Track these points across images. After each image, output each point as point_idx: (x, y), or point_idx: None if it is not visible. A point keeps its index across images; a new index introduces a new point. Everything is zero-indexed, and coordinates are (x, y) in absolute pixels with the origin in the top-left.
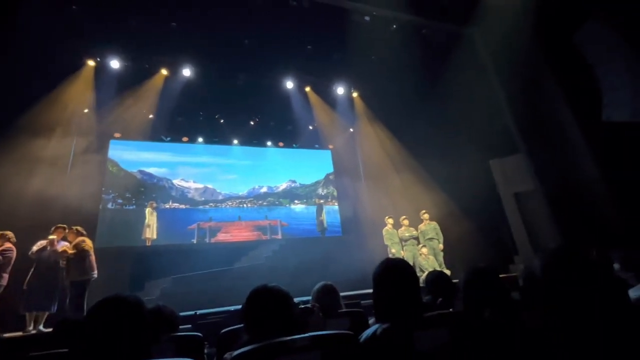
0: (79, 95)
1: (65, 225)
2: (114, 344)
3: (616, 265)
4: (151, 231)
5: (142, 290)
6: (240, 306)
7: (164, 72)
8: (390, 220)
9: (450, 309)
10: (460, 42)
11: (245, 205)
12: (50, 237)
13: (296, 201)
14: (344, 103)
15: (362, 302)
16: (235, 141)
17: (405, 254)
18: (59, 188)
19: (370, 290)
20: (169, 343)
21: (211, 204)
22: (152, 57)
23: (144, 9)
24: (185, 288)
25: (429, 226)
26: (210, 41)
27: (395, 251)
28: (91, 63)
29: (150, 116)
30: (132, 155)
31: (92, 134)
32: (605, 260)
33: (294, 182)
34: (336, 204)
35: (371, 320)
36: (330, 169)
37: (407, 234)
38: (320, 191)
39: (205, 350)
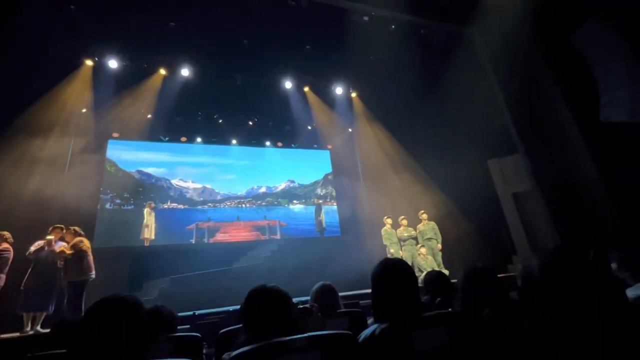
0: (77, 95)
1: (62, 226)
2: (112, 344)
3: (614, 265)
4: (149, 231)
5: (141, 290)
6: (238, 306)
7: (163, 72)
8: (389, 220)
9: (449, 309)
10: (459, 42)
11: (243, 206)
12: (48, 237)
13: (295, 201)
14: (342, 103)
15: (361, 302)
16: (234, 141)
17: (403, 254)
18: (56, 188)
19: (369, 290)
20: (168, 343)
21: (210, 204)
22: (150, 56)
23: (142, 9)
24: (183, 288)
25: (427, 226)
26: (209, 41)
27: (393, 251)
28: (89, 63)
29: (149, 116)
30: (130, 155)
31: (90, 133)
32: (603, 260)
33: (292, 182)
34: (335, 204)
35: (370, 320)
36: (329, 169)
37: (405, 234)
38: (319, 191)
39: (204, 351)
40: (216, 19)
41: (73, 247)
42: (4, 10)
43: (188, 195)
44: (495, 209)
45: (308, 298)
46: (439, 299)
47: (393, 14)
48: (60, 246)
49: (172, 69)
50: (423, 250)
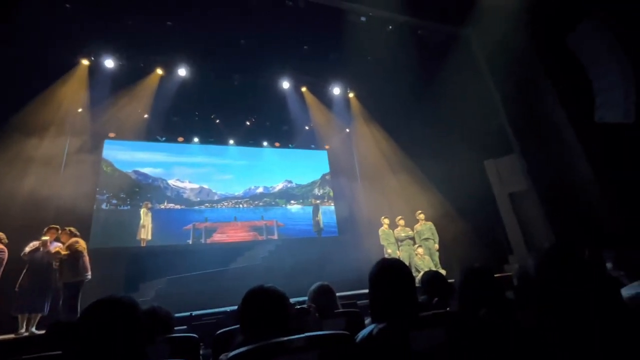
0: (72, 94)
1: (58, 226)
2: (108, 345)
3: (609, 265)
4: (146, 232)
5: (137, 291)
6: (236, 307)
7: (159, 71)
8: (386, 221)
9: (446, 309)
10: (456, 43)
11: (241, 206)
12: (43, 238)
13: (292, 201)
14: (340, 103)
15: (359, 302)
16: (231, 141)
17: (401, 254)
18: (52, 188)
19: (367, 291)
20: (164, 344)
21: (207, 204)
22: (147, 56)
23: (139, 8)
24: (180, 289)
25: (424, 226)
26: (206, 41)
27: (391, 251)
28: (85, 62)
29: (145, 116)
30: (126, 155)
31: (86, 133)
32: (598, 259)
33: (290, 182)
34: (332, 204)
35: (367, 321)
36: (327, 169)
37: (403, 234)
38: (316, 191)
39: (201, 352)
40: (213, 18)
41: (69, 247)
42: None
43: (185, 196)
44: (491, 209)
45: (305, 298)
46: (436, 299)
47: (390, 15)
48: (56, 247)
49: (169, 69)
50: (420, 250)
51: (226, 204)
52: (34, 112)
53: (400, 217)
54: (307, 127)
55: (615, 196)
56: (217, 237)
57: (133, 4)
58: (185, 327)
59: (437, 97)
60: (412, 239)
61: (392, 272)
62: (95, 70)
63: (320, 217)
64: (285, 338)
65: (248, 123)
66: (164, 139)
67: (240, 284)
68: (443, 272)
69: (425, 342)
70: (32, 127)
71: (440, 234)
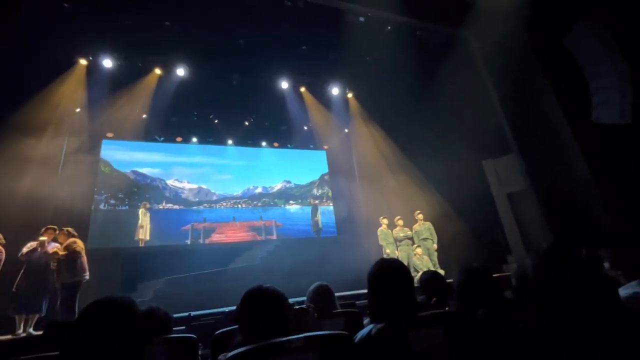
0: (70, 94)
1: (55, 227)
2: (106, 346)
3: (606, 264)
4: (144, 232)
5: (135, 291)
6: (234, 307)
7: (158, 71)
8: (385, 221)
9: (445, 309)
10: (454, 44)
11: (239, 206)
12: (41, 238)
13: (291, 201)
14: (338, 103)
15: (357, 302)
16: (230, 141)
17: (399, 254)
18: (50, 188)
19: (365, 291)
20: (163, 345)
21: (205, 204)
22: (145, 56)
23: (137, 7)
24: (179, 289)
25: (423, 226)
26: (205, 41)
27: (389, 251)
28: (83, 62)
29: (144, 116)
30: (125, 156)
31: (84, 133)
32: (595, 259)
33: (288, 182)
34: (331, 204)
35: (366, 321)
36: (325, 170)
37: (401, 234)
38: (315, 191)
39: (200, 352)
40: (212, 18)
41: (66, 248)
42: None
43: (183, 196)
44: (490, 209)
45: (304, 298)
46: (434, 298)
47: (389, 15)
48: (53, 247)
49: (168, 69)
50: (419, 250)
51: (225, 204)
52: (32, 111)
53: (399, 217)
54: (305, 127)
55: (613, 196)
56: (216, 238)
57: (131, 3)
58: (183, 327)
59: (435, 98)
60: (411, 239)
61: (390, 272)
62: (93, 70)
63: (319, 217)
64: (284, 338)
65: (247, 123)
66: (162, 139)
67: (239, 284)
68: (441, 272)
69: (423, 342)
70: (30, 127)
71: (438, 234)
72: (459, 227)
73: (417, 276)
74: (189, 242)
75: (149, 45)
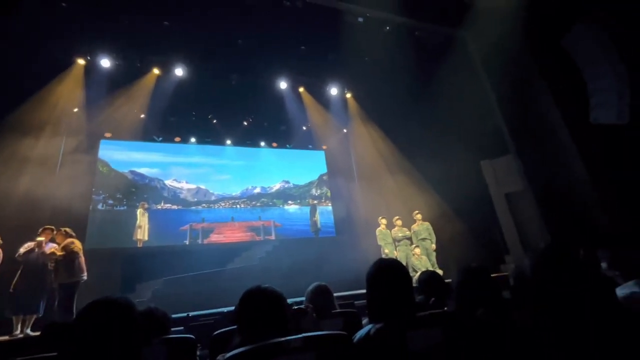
0: (68, 94)
1: (53, 227)
2: (104, 347)
3: (604, 264)
4: (142, 232)
5: (133, 292)
6: (233, 307)
7: (156, 71)
8: (384, 221)
9: (443, 309)
10: (453, 44)
11: (238, 206)
12: (38, 239)
13: (290, 202)
14: (337, 104)
15: (356, 302)
16: (229, 141)
17: (398, 254)
18: (47, 188)
19: (364, 291)
20: (161, 345)
21: (204, 204)
22: (143, 56)
23: (135, 7)
24: (177, 290)
25: (421, 226)
26: (204, 41)
27: (388, 251)
28: (81, 61)
29: (142, 116)
30: (123, 156)
31: (82, 133)
32: (593, 259)
33: (287, 182)
34: (330, 204)
35: (365, 321)
36: (324, 170)
37: (400, 235)
38: (313, 192)
39: (198, 353)
40: (211, 18)
41: (64, 248)
42: None
43: (182, 196)
44: (488, 209)
45: (303, 299)
46: (433, 298)
47: (387, 16)
48: (51, 248)
49: (166, 69)
50: (417, 250)
51: (223, 204)
52: (30, 111)
53: (397, 217)
54: (304, 128)
55: (610, 196)
56: (214, 238)
57: (130, 3)
58: (182, 328)
59: (434, 98)
60: (410, 239)
61: (389, 272)
62: (91, 69)
63: (318, 217)
64: (283, 339)
65: (245, 123)
66: (160, 139)
67: (238, 285)
68: (440, 272)
69: (422, 342)
70: (28, 127)
71: (437, 234)
72: (458, 227)
73: (415, 276)
74: (187, 242)
75: (148, 45)
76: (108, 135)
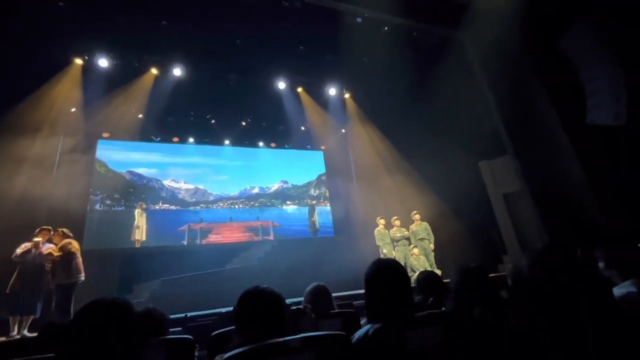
0: (66, 93)
1: (50, 227)
2: (102, 348)
3: (601, 264)
4: (140, 233)
5: (131, 293)
6: (231, 308)
7: (154, 71)
8: (382, 221)
9: (442, 309)
10: (451, 45)
11: (236, 206)
12: (35, 239)
13: (288, 202)
14: (336, 104)
15: (355, 302)
16: (227, 141)
17: (396, 254)
18: (44, 189)
19: (363, 291)
20: (159, 346)
21: (202, 205)
22: (141, 55)
23: (133, 7)
24: (175, 290)
25: (420, 226)
26: (202, 41)
27: (386, 251)
28: (79, 61)
29: (140, 116)
30: (121, 156)
31: (79, 133)
32: (590, 259)
33: (286, 182)
34: (328, 204)
35: (363, 321)
36: (323, 170)
37: (398, 235)
38: (312, 192)
39: (196, 353)
40: (209, 18)
41: (61, 249)
42: None
43: (180, 196)
44: (486, 209)
45: (302, 299)
46: (431, 298)
47: (386, 17)
48: (48, 248)
49: (164, 69)
50: (416, 250)
51: (222, 204)
52: (27, 111)
53: (395, 217)
54: (303, 128)
55: (607, 197)
56: (213, 238)
57: (127, 2)
58: (180, 328)
59: (432, 99)
60: (408, 239)
61: (387, 272)
62: (88, 69)
63: (316, 217)
64: (281, 339)
65: (244, 123)
66: (158, 139)
67: (236, 285)
68: (438, 272)
69: (421, 342)
70: (25, 127)
71: (435, 234)
72: (456, 227)
73: (414, 276)
74: (185, 242)
75: (145, 44)
76: (106, 135)
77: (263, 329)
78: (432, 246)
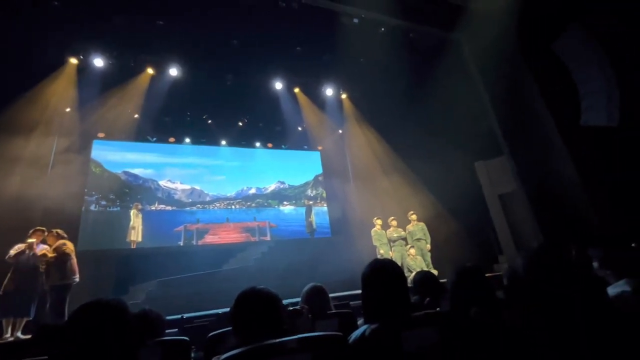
0: (60, 93)
1: (44, 228)
2: (97, 350)
3: (595, 264)
4: (136, 233)
5: (127, 294)
6: (228, 309)
7: (150, 71)
8: (379, 221)
9: (437, 309)
10: (447, 46)
11: (233, 207)
12: (29, 240)
13: (285, 202)
14: (332, 104)
15: (351, 302)
16: (224, 142)
17: (393, 254)
18: (39, 189)
19: (359, 291)
20: (155, 347)
21: (198, 205)
22: (137, 55)
23: (129, 6)
24: (171, 291)
25: (416, 227)
26: (198, 41)
27: (383, 252)
28: (74, 61)
29: (136, 116)
30: (116, 156)
31: (74, 133)
32: (584, 258)
33: (282, 183)
34: (325, 205)
35: (360, 321)
36: (319, 170)
37: (395, 235)
38: (309, 192)
39: (192, 354)
40: (206, 18)
41: (56, 250)
42: None
43: (176, 197)
44: (482, 209)
45: (298, 299)
46: (428, 299)
47: (383, 18)
48: (42, 249)
49: (160, 69)
50: (412, 250)
51: (218, 205)
52: (21, 111)
53: (392, 217)
54: (300, 128)
55: (601, 197)
56: (209, 239)
57: (123, 1)
58: (176, 330)
59: (428, 99)
60: (405, 240)
61: (384, 272)
62: (84, 69)
63: (313, 218)
64: (278, 340)
65: (240, 124)
66: (154, 139)
67: (233, 286)
68: (435, 272)
69: (417, 342)
70: (19, 127)
71: (432, 234)
72: (452, 227)
73: (410, 276)
74: (181, 243)
75: (142, 44)
76: (101, 135)
77: (260, 330)
78: (428, 246)
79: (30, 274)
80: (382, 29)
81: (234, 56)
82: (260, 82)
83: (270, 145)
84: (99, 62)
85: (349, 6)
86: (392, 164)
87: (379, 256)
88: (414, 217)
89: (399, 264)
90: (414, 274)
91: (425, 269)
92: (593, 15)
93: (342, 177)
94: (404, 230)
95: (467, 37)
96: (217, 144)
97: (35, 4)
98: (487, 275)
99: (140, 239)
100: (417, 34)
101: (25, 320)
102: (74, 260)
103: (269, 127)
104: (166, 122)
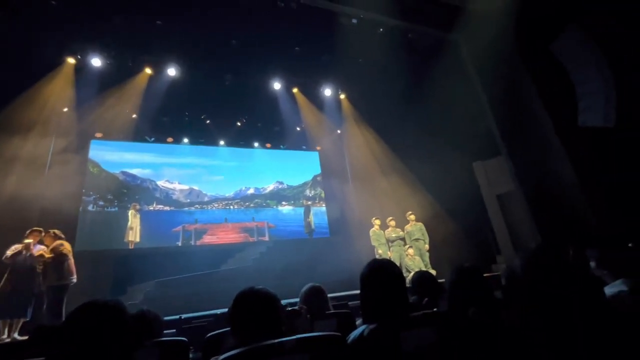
0: (58, 93)
1: (41, 229)
2: (94, 351)
3: (592, 264)
4: (134, 234)
5: (125, 294)
6: (226, 309)
7: (148, 71)
8: (377, 222)
9: (435, 309)
10: (446, 47)
11: (231, 207)
12: (26, 241)
13: (283, 203)
14: (331, 105)
15: (350, 303)
16: (222, 142)
17: (392, 254)
18: (36, 189)
19: (358, 291)
20: (153, 348)
21: (197, 205)
22: (135, 55)
23: (128, 5)
24: (169, 292)
25: (415, 227)
26: (197, 41)
27: (382, 252)
28: (71, 61)
29: (134, 116)
30: (114, 156)
31: (72, 133)
32: (582, 258)
33: (281, 183)
34: (324, 205)
35: (358, 321)
36: (318, 171)
37: (393, 235)
38: (307, 192)
39: (191, 355)
40: (204, 18)
41: (53, 250)
42: None
43: (174, 197)
44: (480, 210)
45: (297, 300)
46: (426, 299)
47: (381, 18)
48: (39, 250)
49: (158, 68)
50: (411, 250)
51: (216, 205)
52: (18, 110)
53: (391, 218)
54: (298, 128)
55: (598, 198)
56: (207, 239)
57: (121, 1)
58: (174, 330)
59: (427, 100)
60: (403, 240)
61: (383, 272)
62: (81, 68)
63: (312, 218)
64: (276, 340)
65: (239, 124)
66: (152, 139)
67: (231, 286)
68: (433, 272)
69: (416, 342)
70: (16, 126)
71: (430, 234)
72: (450, 227)
73: (409, 276)
74: (180, 243)
75: (140, 44)
76: (99, 135)
77: (258, 330)
78: (426, 246)
79: (27, 275)
80: (381, 30)
81: (232, 56)
82: (258, 82)
83: (268, 145)
84: (96, 61)
85: (347, 6)
86: (390, 164)
87: (377, 256)
88: (412, 217)
89: (398, 264)
90: (412, 274)
91: (424, 269)
92: (591, 16)
93: (341, 178)
94: (403, 230)
95: (465, 37)
96: (215, 144)
97: (32, 3)
98: (485, 275)
99: (138, 240)
100: (416, 34)
101: (22, 321)
102: (72, 261)
103: (267, 127)
104: (164, 122)
